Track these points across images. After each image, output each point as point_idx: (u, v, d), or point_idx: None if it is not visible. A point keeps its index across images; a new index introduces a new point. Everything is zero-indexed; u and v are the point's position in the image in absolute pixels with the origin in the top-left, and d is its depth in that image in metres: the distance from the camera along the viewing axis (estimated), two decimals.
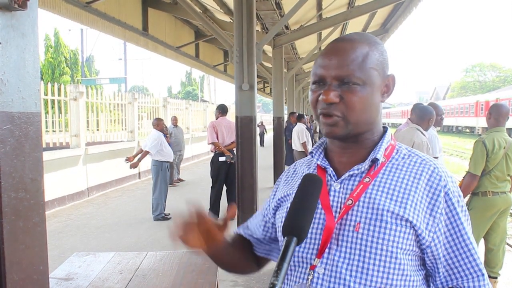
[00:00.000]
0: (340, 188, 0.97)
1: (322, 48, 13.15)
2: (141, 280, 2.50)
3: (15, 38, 1.35)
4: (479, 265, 0.93)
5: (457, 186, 0.97)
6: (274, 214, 1.10)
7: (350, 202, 0.94)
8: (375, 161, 0.97)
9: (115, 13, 6.72)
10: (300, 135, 9.34)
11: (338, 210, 0.95)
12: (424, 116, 3.92)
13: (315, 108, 0.97)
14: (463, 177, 3.71)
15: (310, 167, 1.08)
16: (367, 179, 0.96)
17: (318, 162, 1.03)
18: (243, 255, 1.16)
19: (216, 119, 6.83)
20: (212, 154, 6.80)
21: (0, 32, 1.29)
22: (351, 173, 0.97)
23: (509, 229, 6.14)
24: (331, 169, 1.00)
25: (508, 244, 5.35)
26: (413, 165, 0.97)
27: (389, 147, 1.00)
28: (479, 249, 3.84)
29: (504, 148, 3.52)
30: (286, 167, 1.23)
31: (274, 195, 1.13)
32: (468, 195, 3.73)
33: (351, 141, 0.99)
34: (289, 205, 1.02)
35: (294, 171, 1.13)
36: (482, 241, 3.77)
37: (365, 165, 0.96)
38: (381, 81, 0.97)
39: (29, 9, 1.36)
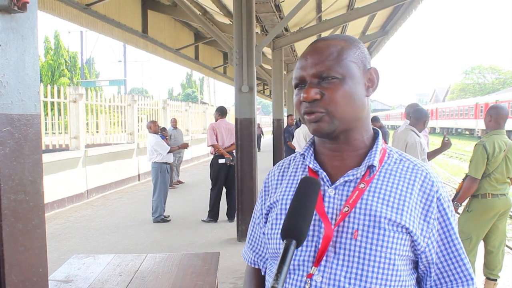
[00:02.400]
0: (335, 194, 0.95)
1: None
2: (141, 282, 2.50)
3: (15, 40, 1.35)
4: (469, 270, 0.94)
5: (446, 190, 0.98)
6: (265, 222, 1.07)
7: (346, 209, 0.92)
8: (371, 167, 0.95)
9: (115, 15, 6.74)
10: (308, 138, 9.33)
11: (334, 217, 0.93)
12: (420, 117, 4.09)
13: (299, 109, 0.97)
14: (463, 180, 3.70)
15: (298, 169, 1.05)
16: (362, 185, 0.94)
17: (310, 165, 1.00)
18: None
19: (216, 121, 6.83)
20: (211, 156, 6.81)
21: (0, 34, 1.30)
22: (346, 178, 0.95)
23: (508, 231, 6.14)
24: (324, 173, 0.98)
25: (507, 246, 5.35)
26: (406, 171, 0.96)
27: (381, 151, 0.99)
28: (479, 251, 3.80)
29: (504, 151, 3.52)
30: None
31: (264, 203, 1.09)
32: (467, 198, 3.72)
33: (341, 142, 0.97)
34: (279, 211, 1.01)
35: (280, 173, 1.09)
36: (481, 243, 3.77)
37: (361, 171, 0.95)
38: (361, 74, 0.96)
39: (28, 11, 1.36)
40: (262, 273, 1.14)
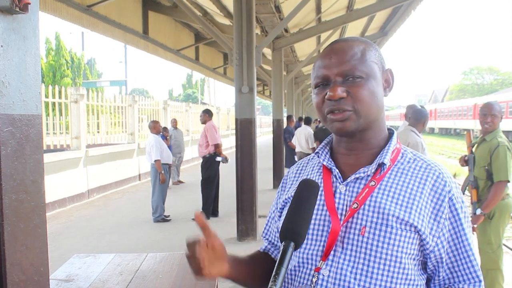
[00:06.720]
0: (345, 190, 0.97)
1: (322, 51, 13.22)
2: (141, 281, 2.50)
3: (17, 41, 1.36)
4: (477, 272, 0.95)
5: (460, 191, 0.98)
6: (279, 217, 1.10)
7: (355, 205, 0.94)
8: (381, 165, 0.97)
9: (116, 16, 6.75)
10: (309, 140, 9.35)
11: (344, 213, 0.95)
12: (420, 118, 4.02)
13: (321, 109, 0.97)
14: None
15: (314, 167, 1.07)
16: (372, 183, 0.96)
17: (324, 163, 1.02)
18: (266, 269, 1.10)
19: (204, 122, 6.96)
20: (206, 155, 6.97)
21: (2, 35, 1.31)
22: (357, 176, 0.97)
23: (507, 231, 6.13)
24: (337, 170, 1.00)
25: (507, 246, 5.35)
26: (418, 170, 0.97)
27: (395, 151, 1.00)
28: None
29: None
30: (286, 169, 1.22)
31: (279, 197, 1.13)
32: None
33: (357, 140, 0.99)
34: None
35: (298, 171, 1.12)
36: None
37: (372, 168, 0.96)
38: (381, 75, 0.99)
39: (30, 12, 1.37)
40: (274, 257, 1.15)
